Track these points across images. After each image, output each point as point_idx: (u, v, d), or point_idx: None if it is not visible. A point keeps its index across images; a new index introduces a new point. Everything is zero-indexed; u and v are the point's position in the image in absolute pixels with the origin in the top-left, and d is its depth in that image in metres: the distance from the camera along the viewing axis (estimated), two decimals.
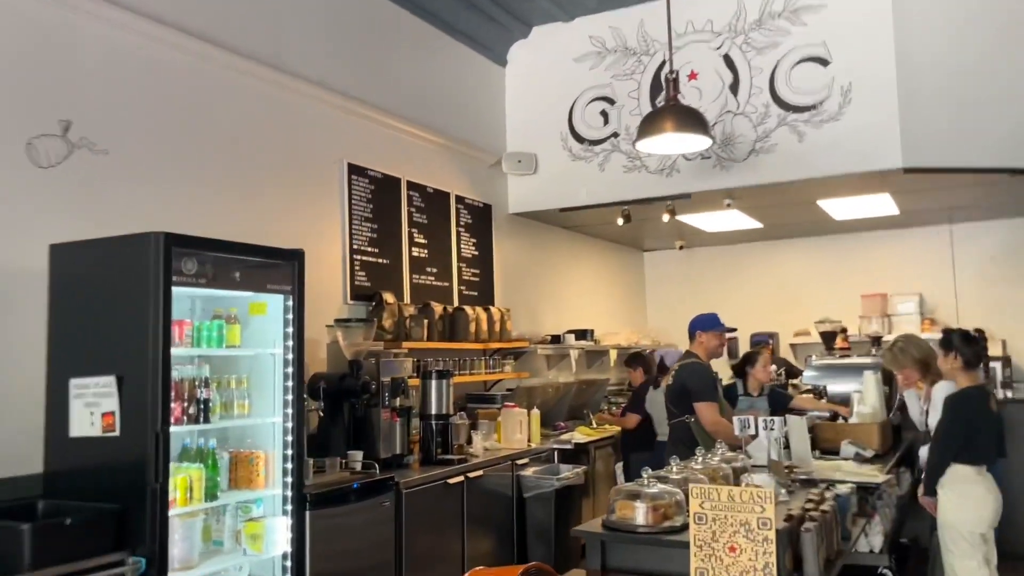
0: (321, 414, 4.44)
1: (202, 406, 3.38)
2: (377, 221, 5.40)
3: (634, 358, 6.69)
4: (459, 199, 6.28)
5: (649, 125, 4.56)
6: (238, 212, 4.44)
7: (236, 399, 3.66)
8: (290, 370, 3.69)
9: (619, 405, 7.19)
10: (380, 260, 5.40)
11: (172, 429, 3.22)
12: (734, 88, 6.17)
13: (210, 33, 4.35)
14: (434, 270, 5.92)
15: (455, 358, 5.67)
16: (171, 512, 3.13)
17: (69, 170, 3.67)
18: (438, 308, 5.64)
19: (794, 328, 8.57)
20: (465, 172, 6.39)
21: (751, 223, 7.76)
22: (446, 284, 6.05)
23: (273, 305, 3.74)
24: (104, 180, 3.82)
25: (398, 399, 4.71)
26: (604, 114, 6.62)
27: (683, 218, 7.33)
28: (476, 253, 6.42)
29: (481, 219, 6.51)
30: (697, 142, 4.67)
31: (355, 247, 5.20)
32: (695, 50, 6.27)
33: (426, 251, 5.85)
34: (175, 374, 3.31)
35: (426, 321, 5.46)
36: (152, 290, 3.10)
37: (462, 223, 6.28)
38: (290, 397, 3.68)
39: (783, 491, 3.40)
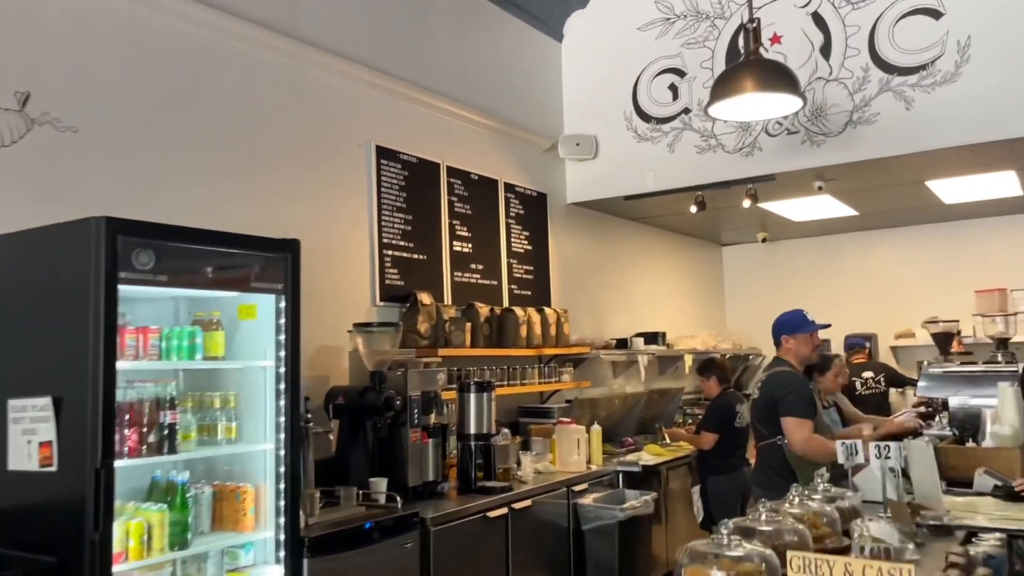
0: (332, 437, 3.77)
1: (167, 432, 2.73)
2: (412, 211, 4.76)
3: (707, 365, 5.76)
4: (509, 187, 5.60)
5: (724, 86, 3.73)
6: (242, 202, 3.84)
7: (221, 422, 3.01)
8: (282, 386, 3.01)
9: (696, 418, 6.42)
10: (415, 256, 4.76)
11: (125, 463, 2.59)
12: (825, 50, 5.28)
13: None
14: (479, 267, 5.25)
15: (504, 367, 5.01)
16: (118, 568, 2.49)
17: (28, 150, 3.10)
18: (483, 310, 4.97)
19: (895, 329, 7.59)
20: (516, 157, 5.73)
21: (845, 210, 6.89)
22: (493, 283, 5.37)
23: (264, 307, 3.08)
24: (72, 162, 3.24)
25: (431, 416, 4.03)
26: (673, 88, 5.87)
27: (766, 205, 6.53)
28: (529, 248, 5.73)
29: (535, 210, 5.83)
30: (785, 104, 3.82)
31: (385, 241, 4.57)
32: (777, 10, 5.42)
33: (470, 245, 5.18)
34: (132, 393, 2.68)
35: (469, 325, 4.80)
36: (92, 289, 2.46)
37: (512, 214, 5.59)
38: (282, 419, 3.01)
39: (910, 546, 2.54)
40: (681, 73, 5.82)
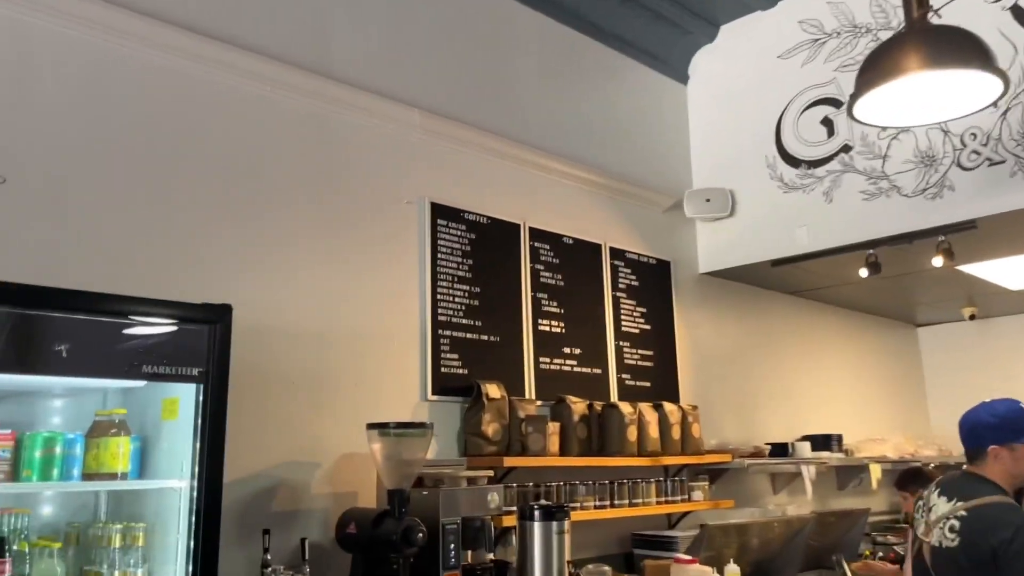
0: None
1: None
2: (480, 282, 3.87)
3: (911, 478, 4.43)
4: (617, 253, 4.60)
5: (875, 69, 2.50)
6: (248, 270, 3.08)
7: (119, 567, 2.06)
8: (195, 519, 2.03)
9: (891, 548, 5.05)
10: (483, 336, 3.84)
11: None
12: None
13: (199, 24, 3.07)
14: (575, 351, 4.23)
15: (609, 481, 3.91)
16: None
17: None
18: (578, 406, 3.94)
19: None
20: (627, 218, 4.74)
21: None
22: (595, 371, 4.31)
23: (186, 403, 2.15)
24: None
25: (480, 551, 2.93)
26: (828, 123, 4.67)
27: (968, 268, 5.07)
28: (646, 327, 4.66)
29: (654, 280, 4.79)
30: (977, 92, 2.51)
31: (442, 319, 3.68)
32: (962, 7, 4.10)
33: (561, 324, 4.20)
34: None
35: (557, 426, 3.79)
36: None
37: (622, 286, 4.57)
38: (189, 569, 2.01)
39: None
40: (837, 103, 4.60)
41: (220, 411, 2.12)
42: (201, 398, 2.14)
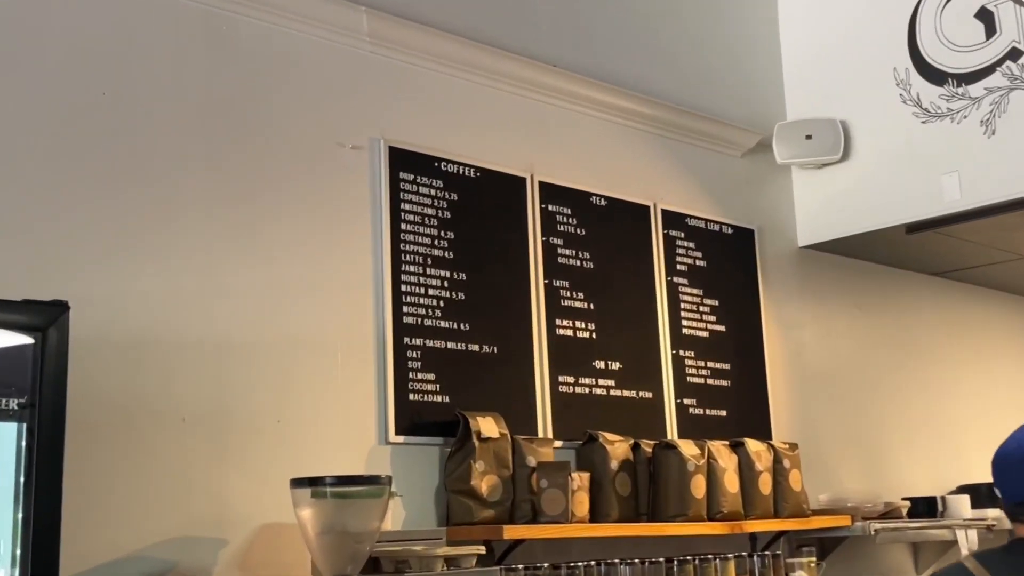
0: None
1: None
2: (465, 266, 3.98)
3: None
4: (673, 219, 4.76)
5: None
6: (103, 257, 3.12)
7: None
8: None
9: None
10: (472, 346, 3.96)
11: None
12: None
13: None
14: (612, 366, 4.35)
15: (662, 558, 3.93)
16: None
17: None
18: (617, 447, 4.01)
19: None
20: (688, 167, 4.92)
21: None
22: (645, 395, 4.44)
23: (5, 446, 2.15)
24: None
25: None
26: (986, 16, 4.81)
27: None
28: (720, 329, 4.87)
29: (730, 259, 5.03)
30: None
31: (409, 320, 3.78)
32: None
33: (591, 327, 4.33)
34: None
35: (585, 477, 3.84)
36: None
37: (682, 267, 4.75)
38: None
39: None
40: None
41: (53, 464, 2.10)
42: (24, 444, 2.12)
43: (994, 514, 5.26)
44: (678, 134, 4.80)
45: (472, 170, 4.05)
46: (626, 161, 4.62)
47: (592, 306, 4.36)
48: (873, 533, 4.71)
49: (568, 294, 4.31)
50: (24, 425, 2.14)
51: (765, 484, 4.30)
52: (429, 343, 3.81)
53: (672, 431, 4.45)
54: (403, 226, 3.83)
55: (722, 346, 4.85)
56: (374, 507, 2.98)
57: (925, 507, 5.07)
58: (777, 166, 5.19)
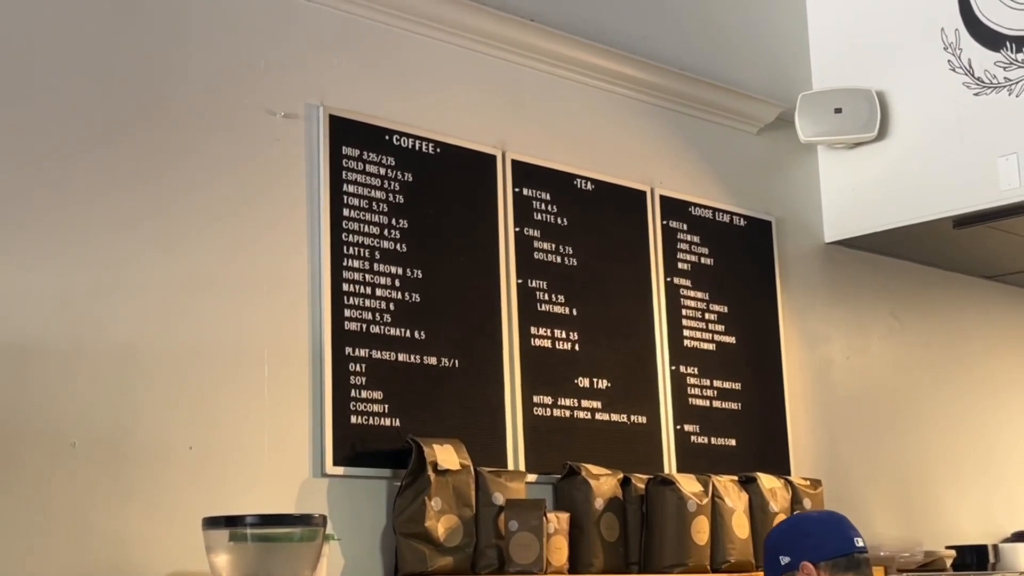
0: None
1: None
2: (421, 261, 4.09)
3: None
4: (674, 207, 4.88)
5: None
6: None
7: None
8: None
9: None
10: (427, 358, 4.05)
11: None
12: None
13: None
14: (598, 384, 4.45)
15: None
16: None
17: None
18: (603, 483, 4.14)
19: None
20: (693, 145, 5.03)
21: None
22: (638, 419, 4.56)
23: None
24: None
25: None
26: None
27: None
28: (729, 340, 4.98)
29: (742, 257, 5.14)
30: None
31: (351, 327, 3.88)
32: None
33: (573, 335, 4.44)
34: None
35: (561, 519, 3.98)
36: None
37: (684, 266, 4.85)
38: None
39: None
40: None
41: None
42: None
43: None
44: (681, 105, 4.87)
45: (431, 145, 4.10)
46: (618, 137, 4.68)
47: (575, 312, 4.40)
48: None
49: (546, 297, 4.35)
50: None
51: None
52: (376, 354, 3.85)
53: (670, 463, 4.50)
54: (346, 212, 3.87)
55: (731, 361, 4.91)
56: (305, 553, 3.02)
57: (974, 557, 5.20)
58: (800, 145, 5.27)
